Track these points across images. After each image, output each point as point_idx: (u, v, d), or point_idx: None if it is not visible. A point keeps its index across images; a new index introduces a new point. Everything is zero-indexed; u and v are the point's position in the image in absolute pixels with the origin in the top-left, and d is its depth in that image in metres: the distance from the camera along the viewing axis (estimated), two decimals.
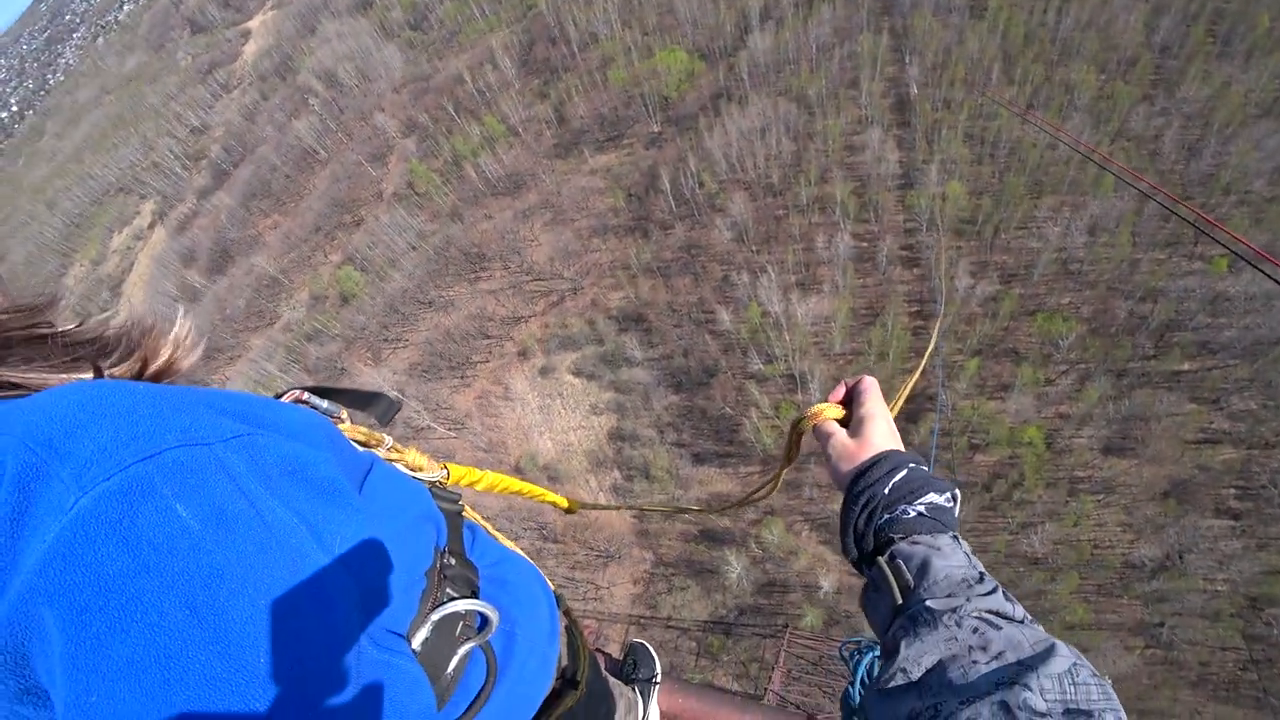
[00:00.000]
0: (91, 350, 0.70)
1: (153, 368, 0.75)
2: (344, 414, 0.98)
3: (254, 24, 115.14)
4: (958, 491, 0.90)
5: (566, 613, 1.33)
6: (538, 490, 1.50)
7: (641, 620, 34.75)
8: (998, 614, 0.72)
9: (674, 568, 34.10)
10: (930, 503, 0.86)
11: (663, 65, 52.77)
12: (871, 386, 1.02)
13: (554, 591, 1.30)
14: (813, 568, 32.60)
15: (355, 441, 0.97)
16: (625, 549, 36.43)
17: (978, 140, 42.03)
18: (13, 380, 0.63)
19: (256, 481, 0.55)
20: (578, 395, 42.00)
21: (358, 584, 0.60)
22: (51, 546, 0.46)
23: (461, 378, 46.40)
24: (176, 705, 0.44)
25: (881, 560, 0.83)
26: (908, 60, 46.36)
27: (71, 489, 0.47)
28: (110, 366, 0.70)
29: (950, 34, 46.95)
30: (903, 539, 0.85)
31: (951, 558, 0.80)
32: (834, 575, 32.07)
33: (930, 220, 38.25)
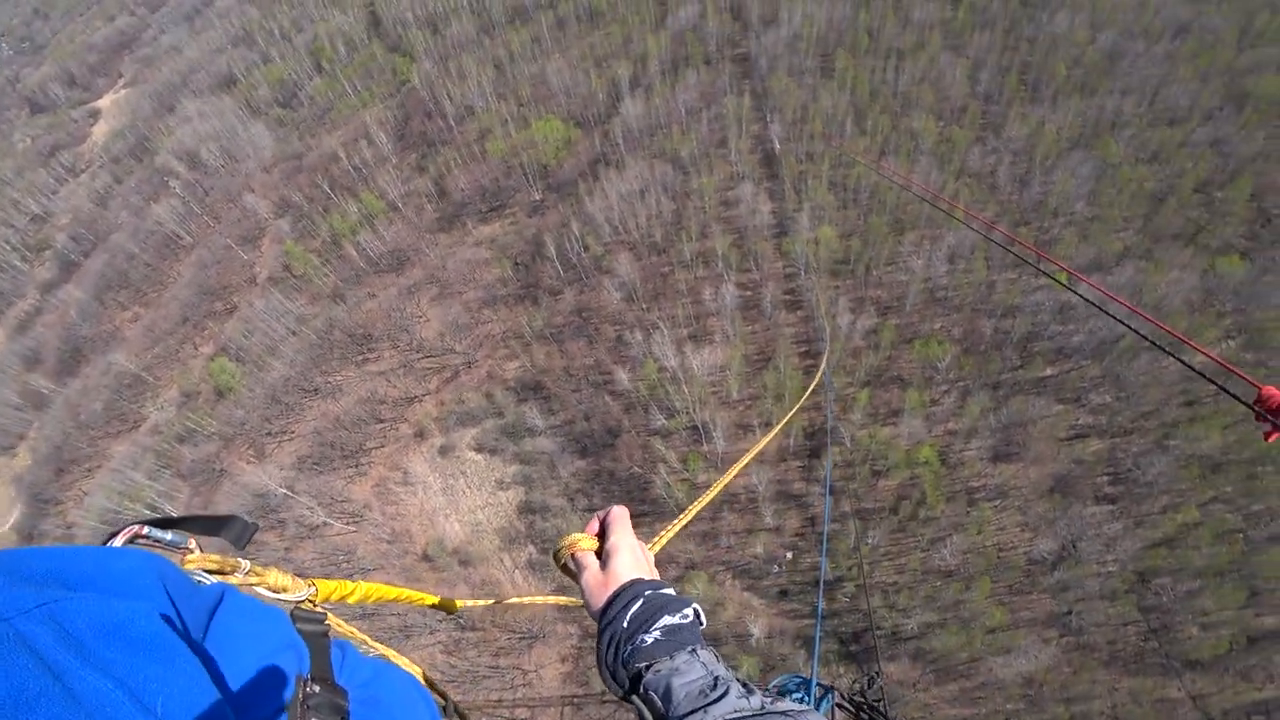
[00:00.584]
0: None
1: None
2: (192, 543, 0.97)
3: (104, 103, 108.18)
4: (697, 606, 0.95)
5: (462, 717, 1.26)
6: (415, 595, 1.47)
7: (576, 700, 33.03)
8: (735, 712, 0.77)
9: (589, 641, 32.76)
10: (665, 625, 0.90)
11: (539, 135, 53.58)
12: (620, 517, 1.07)
13: (443, 698, 1.25)
14: (741, 616, 32.39)
15: (206, 571, 0.97)
16: (549, 626, 34.82)
17: (841, 187, 44.91)
18: None
19: (64, 652, 0.51)
20: (482, 472, 40.46)
21: None
22: None
23: (356, 467, 43.67)
24: None
25: (636, 698, 0.86)
26: (770, 118, 49.37)
27: None
28: None
29: (805, 93, 50.50)
30: (647, 667, 0.88)
31: (689, 674, 0.83)
32: (762, 620, 31.92)
33: (807, 264, 40.24)
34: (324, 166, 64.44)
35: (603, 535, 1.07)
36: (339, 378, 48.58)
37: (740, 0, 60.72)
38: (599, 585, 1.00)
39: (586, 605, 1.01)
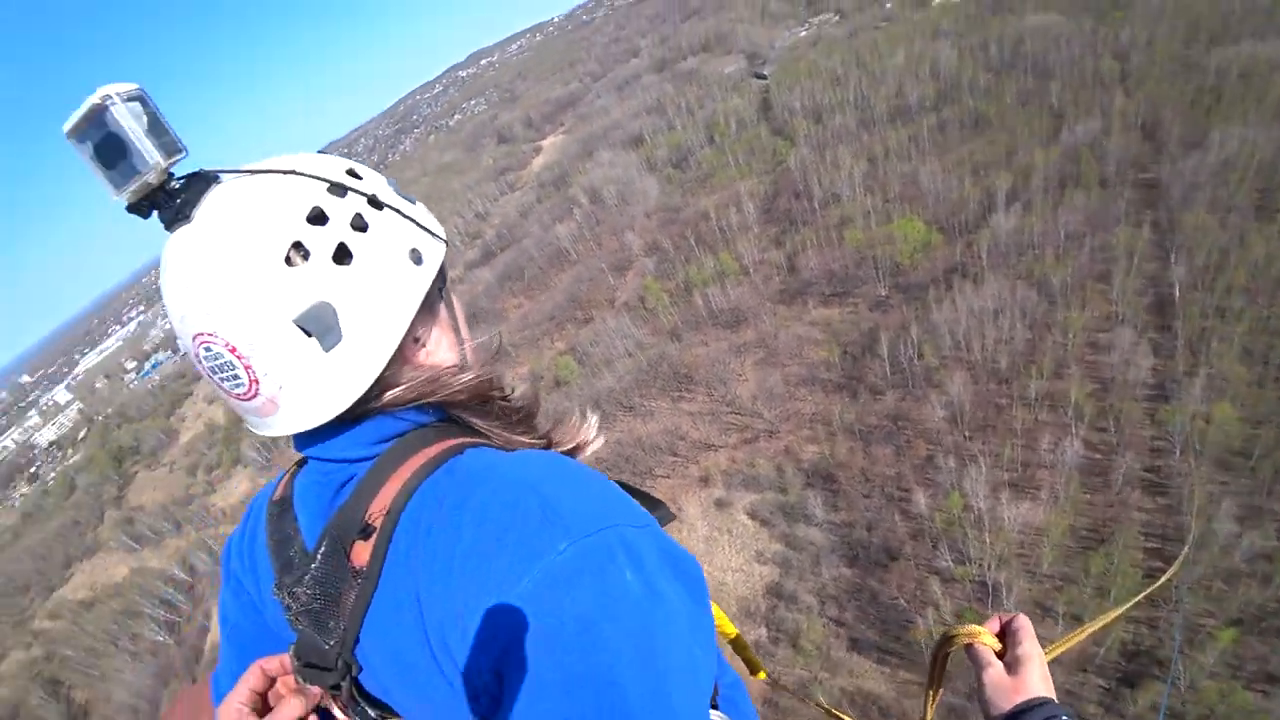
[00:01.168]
0: (518, 418, 0.96)
1: (557, 448, 1.00)
2: None
3: (545, 143, 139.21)
4: None
5: None
6: (746, 646, 1.48)
7: None
8: None
9: None
10: None
11: (899, 233, 54.70)
12: (1029, 626, 1.04)
13: None
14: None
15: None
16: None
17: (1260, 359, 37.46)
18: (480, 429, 0.92)
19: (661, 565, 0.73)
20: (747, 537, 42.51)
21: (707, 676, 0.75)
22: (547, 574, 0.66)
23: (639, 483, 49.54)
24: (593, 715, 0.61)
25: None
26: (1173, 258, 43.34)
27: (561, 537, 0.68)
28: (541, 438, 0.98)
29: (1229, 234, 43.21)
30: None
31: None
32: None
33: (1187, 443, 34.50)
34: (695, 223, 74.08)
35: (1003, 639, 1.06)
36: (653, 404, 55.48)
37: (1156, 118, 54.30)
38: (1007, 689, 0.97)
39: (984, 704, 0.99)
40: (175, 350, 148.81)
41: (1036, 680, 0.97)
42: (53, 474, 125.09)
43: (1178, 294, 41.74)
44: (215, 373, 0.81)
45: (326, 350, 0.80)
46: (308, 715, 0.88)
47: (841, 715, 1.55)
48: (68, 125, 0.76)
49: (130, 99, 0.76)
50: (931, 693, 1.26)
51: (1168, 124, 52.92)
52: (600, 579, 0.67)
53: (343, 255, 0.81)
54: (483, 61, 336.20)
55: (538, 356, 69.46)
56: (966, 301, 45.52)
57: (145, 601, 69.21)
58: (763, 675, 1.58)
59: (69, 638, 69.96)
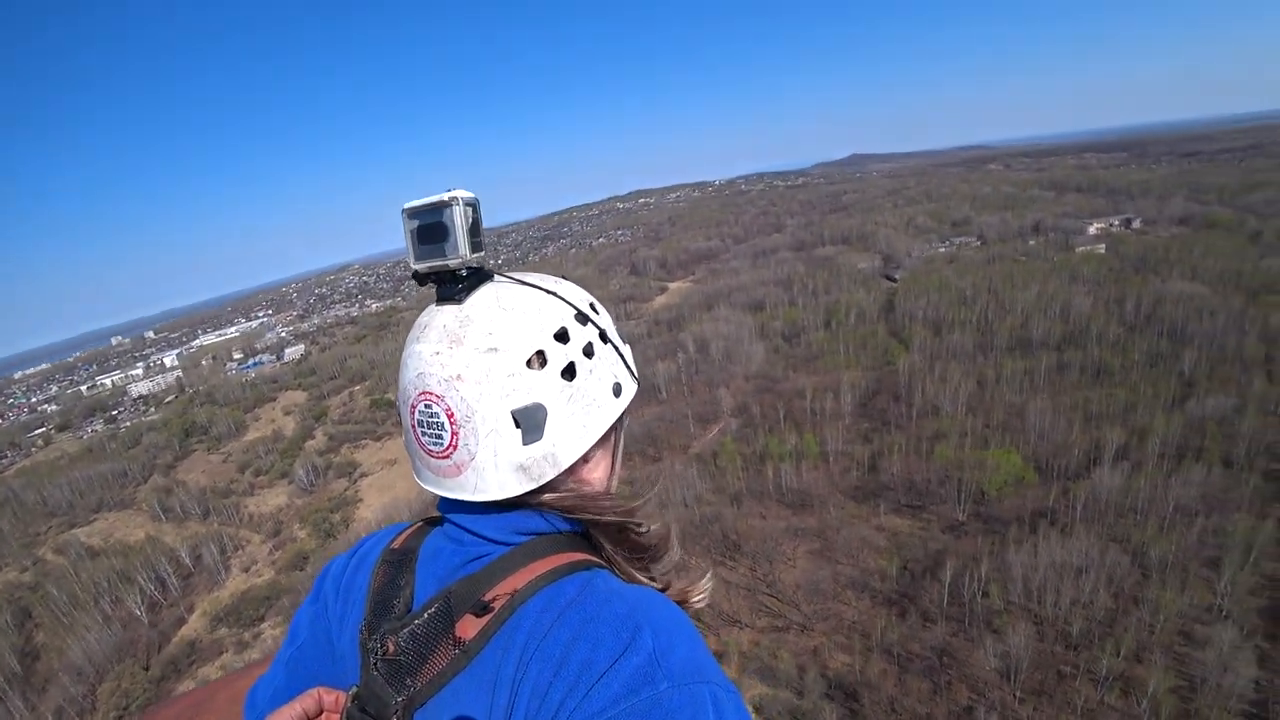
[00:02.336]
0: (646, 555, 1.04)
1: (673, 595, 1.06)
2: None
3: (673, 285, 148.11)
4: None
5: None
6: None
7: None
8: None
9: None
10: None
11: (993, 461, 53.02)
12: None
13: None
14: None
15: None
16: None
17: None
18: (608, 553, 0.99)
19: None
20: None
21: None
22: (645, 704, 0.71)
23: None
24: None
25: None
26: None
27: (664, 679, 0.72)
28: (657, 580, 1.05)
29: None
30: None
31: None
32: None
33: None
34: (789, 397, 75.27)
35: None
36: (693, 561, 53.55)
37: None
38: None
39: None
40: (278, 356, 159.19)
41: None
42: (128, 423, 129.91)
43: None
44: (422, 426, 0.92)
45: (525, 444, 0.90)
46: None
47: None
48: (410, 205, 0.96)
49: (468, 204, 0.94)
50: None
51: None
52: (689, 717, 0.71)
53: (569, 372, 0.94)
54: (641, 200, 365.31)
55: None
56: (1050, 550, 42.72)
57: (143, 571, 68.68)
58: None
59: (61, 577, 69.73)
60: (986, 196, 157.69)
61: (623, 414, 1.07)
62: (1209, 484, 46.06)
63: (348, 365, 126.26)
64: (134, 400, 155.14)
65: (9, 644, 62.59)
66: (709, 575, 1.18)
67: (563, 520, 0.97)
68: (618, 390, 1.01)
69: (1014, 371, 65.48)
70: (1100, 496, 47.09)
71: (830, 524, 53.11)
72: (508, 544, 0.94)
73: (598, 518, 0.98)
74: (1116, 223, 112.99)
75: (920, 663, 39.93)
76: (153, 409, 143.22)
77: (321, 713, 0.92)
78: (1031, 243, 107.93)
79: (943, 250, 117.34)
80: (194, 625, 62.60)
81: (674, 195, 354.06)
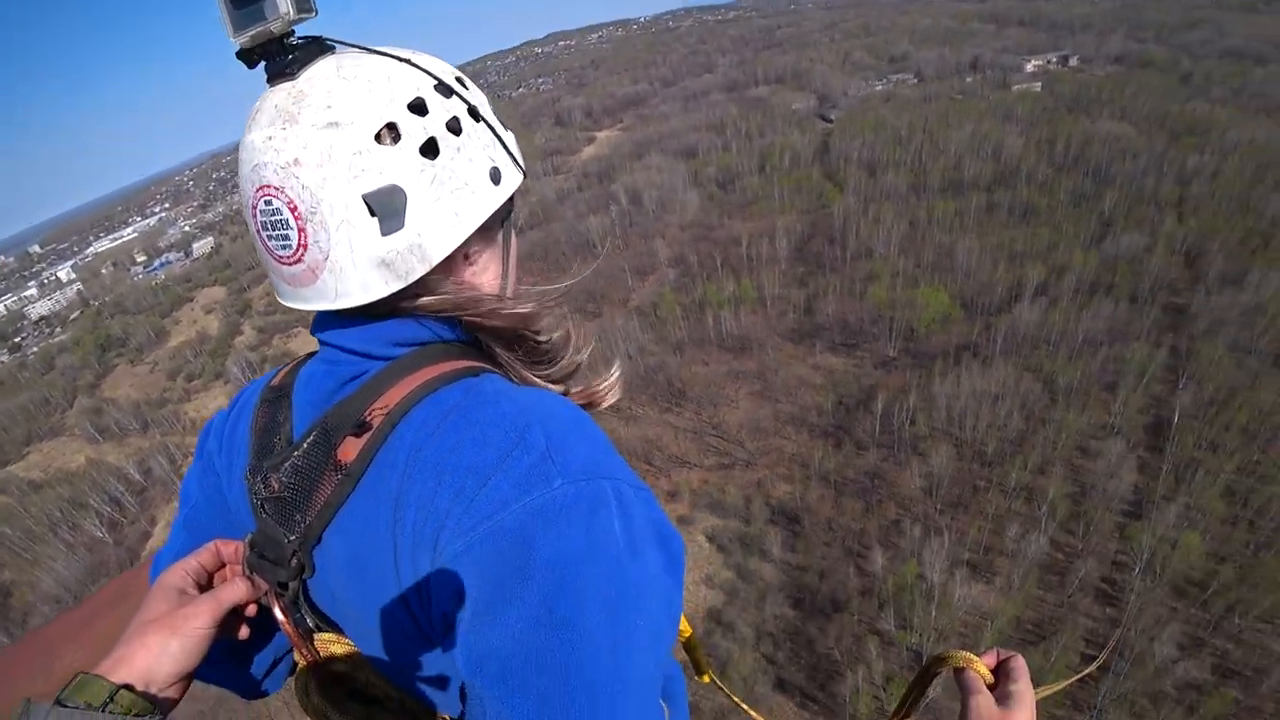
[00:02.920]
0: (544, 358, 0.95)
1: (578, 398, 0.99)
2: None
3: (600, 135, 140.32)
4: None
5: None
6: (697, 646, 1.41)
7: None
8: None
9: None
10: None
11: (922, 300, 54.97)
12: (1026, 668, 1.00)
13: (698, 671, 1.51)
14: None
15: None
16: None
17: (1240, 500, 37.48)
18: (501, 359, 0.92)
19: (647, 529, 0.72)
20: (700, 559, 42.41)
21: (669, 651, 0.77)
22: (538, 506, 0.65)
23: None
24: (579, 657, 0.62)
25: None
26: (1181, 385, 43.47)
27: (559, 476, 0.67)
28: (556, 382, 0.96)
29: (1242, 375, 43.27)
30: None
31: None
32: None
33: (1149, 565, 34.58)
34: (725, 245, 74.58)
35: (996, 675, 1.00)
36: (641, 411, 55.71)
37: (1202, 248, 54.38)
38: (994, 718, 0.92)
39: None
40: (186, 252, 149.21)
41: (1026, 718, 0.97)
42: (35, 349, 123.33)
43: (1177, 420, 41.74)
44: (266, 229, 0.80)
45: (384, 234, 0.79)
46: (248, 606, 0.86)
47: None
48: None
49: None
50: (896, 718, 1.23)
51: (1211, 255, 53.00)
52: (589, 523, 0.66)
53: (430, 149, 0.81)
54: (560, 43, 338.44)
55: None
56: (971, 380, 45.68)
57: (94, 495, 68.02)
58: (707, 678, 1.55)
59: (9, 516, 68.74)
60: (926, 30, 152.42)
61: (511, 212, 0.98)
62: (1115, 317, 49.53)
63: None
64: (34, 324, 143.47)
65: None
66: (616, 370, 1.06)
67: (447, 327, 0.88)
68: (496, 176, 0.88)
69: (945, 212, 66.51)
70: (1019, 330, 50.00)
71: (769, 366, 54.72)
72: (386, 358, 0.85)
73: (483, 320, 0.87)
74: (1054, 60, 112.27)
75: (854, 486, 43.30)
76: (59, 329, 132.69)
77: (223, 565, 0.88)
78: (969, 80, 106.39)
79: (879, 88, 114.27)
80: (160, 537, 61.36)
81: (595, 36, 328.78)
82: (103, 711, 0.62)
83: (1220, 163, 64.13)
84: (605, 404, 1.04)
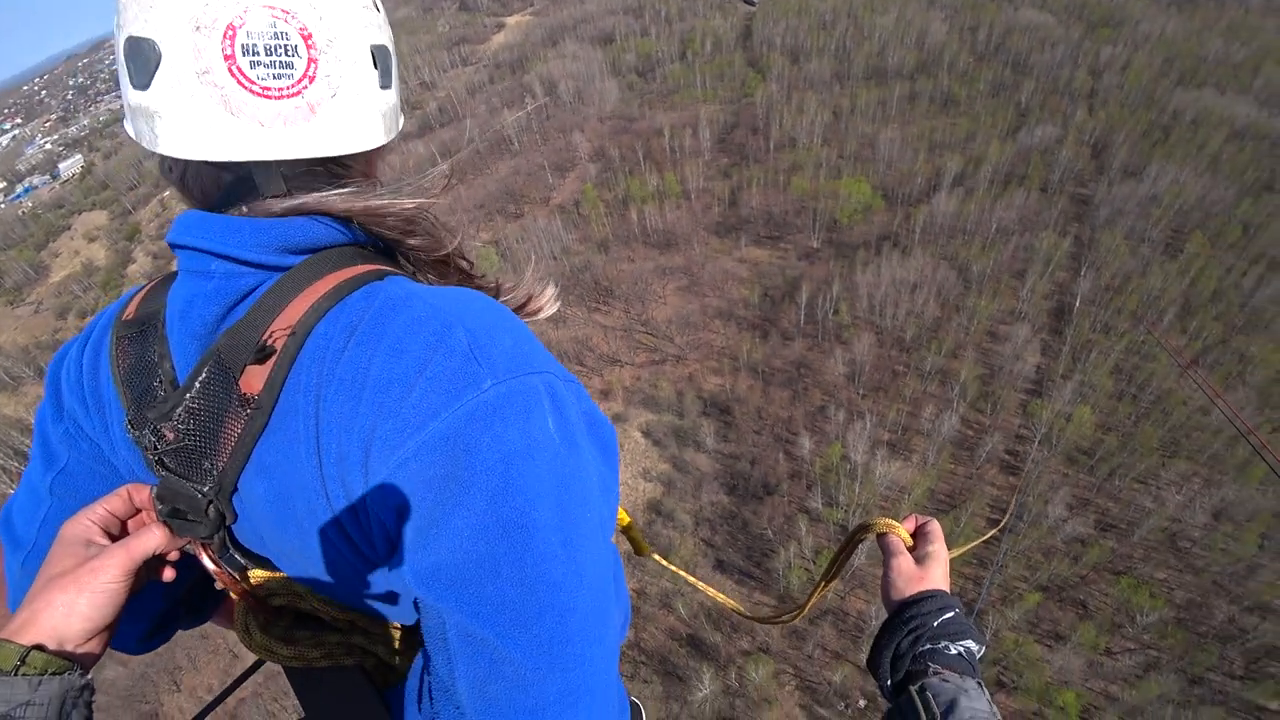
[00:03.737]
0: (451, 257, 0.89)
1: (510, 306, 0.93)
2: None
3: (510, 21, 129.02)
4: (985, 646, 0.99)
5: None
6: (634, 528, 1.44)
7: None
8: None
9: (648, 658, 33.59)
10: (967, 647, 0.94)
11: (845, 191, 54.60)
12: (940, 531, 1.11)
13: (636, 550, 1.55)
14: None
15: None
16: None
17: (1125, 376, 40.57)
18: (407, 260, 0.88)
19: (580, 421, 0.72)
20: (637, 454, 42.94)
21: (609, 534, 0.77)
22: (471, 411, 0.62)
23: None
24: (530, 562, 0.62)
25: (913, 689, 0.89)
26: (1083, 272, 45.70)
27: (487, 375, 0.64)
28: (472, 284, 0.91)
29: (1136, 262, 45.93)
30: (935, 675, 0.90)
31: (977, 701, 0.85)
32: None
33: (1046, 437, 37.20)
34: (647, 137, 71.21)
35: (914, 538, 1.13)
36: (569, 312, 54.08)
37: (1108, 139, 56.26)
38: (913, 577, 1.04)
39: (887, 587, 1.06)
40: (53, 175, 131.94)
41: (940, 576, 1.06)
42: None
43: (1077, 304, 44.07)
44: (255, 54, 0.68)
45: (382, 88, 0.78)
46: (169, 554, 0.79)
47: (715, 593, 1.63)
48: None
49: None
50: (824, 582, 1.32)
51: (1116, 147, 54.85)
52: (524, 421, 0.64)
53: (388, 29, 0.83)
54: None
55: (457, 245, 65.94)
56: (891, 270, 46.34)
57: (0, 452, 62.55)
58: (653, 555, 1.63)
59: None
60: None
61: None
62: (1026, 206, 50.95)
63: (147, 168, 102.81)
64: None
65: None
66: (553, 284, 1.02)
67: (345, 228, 0.78)
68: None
69: (868, 101, 65.45)
70: (937, 220, 50.77)
71: (695, 260, 53.65)
72: (279, 268, 0.74)
73: (386, 215, 0.80)
74: None
75: (781, 376, 43.88)
76: None
77: (136, 511, 0.79)
78: None
79: None
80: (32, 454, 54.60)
81: None
82: (14, 675, 0.59)
83: (1131, 54, 65.54)
84: (540, 316, 1.00)
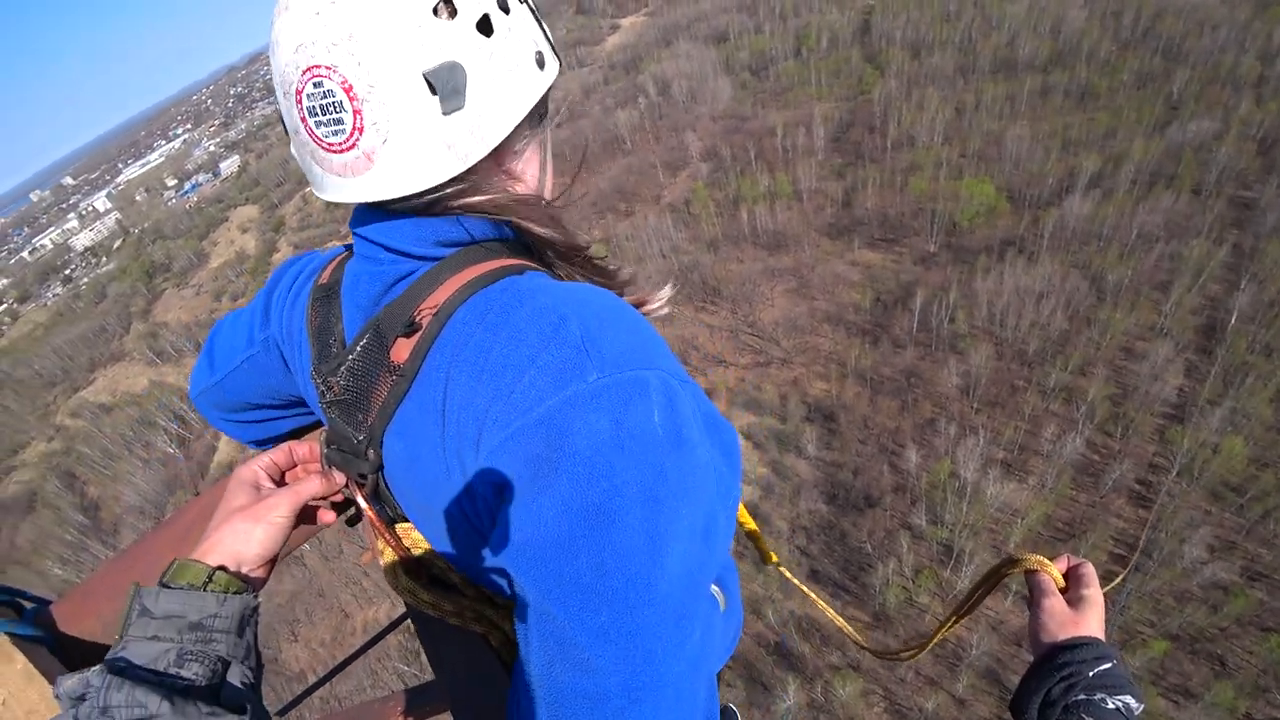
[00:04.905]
0: (589, 261, 0.93)
1: (628, 300, 0.96)
2: None
3: (625, 22, 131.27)
4: (1145, 705, 0.93)
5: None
6: (758, 532, 1.47)
7: None
8: None
9: (733, 662, 33.90)
10: (1126, 703, 0.89)
11: (966, 192, 52.23)
12: (1095, 575, 1.05)
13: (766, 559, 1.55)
14: None
15: None
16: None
17: None
18: (549, 259, 0.91)
19: (695, 420, 0.70)
20: None
21: (724, 542, 0.74)
22: (572, 398, 0.64)
23: None
24: (612, 552, 0.61)
25: None
26: (1241, 285, 41.46)
27: (594, 368, 0.65)
28: (606, 283, 0.94)
29: None
30: None
31: None
32: None
33: (1187, 468, 34.27)
34: (760, 136, 70.86)
35: (1067, 579, 1.06)
36: (676, 310, 54.97)
37: (1277, 135, 50.29)
38: (1067, 620, 0.98)
39: (1038, 629, 1.00)
40: (215, 173, 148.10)
41: (1096, 624, 0.99)
42: (86, 279, 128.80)
43: (1233, 322, 40.18)
44: (314, 115, 0.73)
45: (445, 114, 0.73)
46: (327, 499, 0.90)
47: (837, 618, 1.56)
48: None
49: None
50: (955, 617, 1.22)
51: None
52: (623, 411, 0.65)
53: (485, 26, 0.76)
54: None
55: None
56: (1015, 277, 44.07)
57: (160, 414, 71.93)
58: (775, 561, 1.59)
59: (87, 437, 73.63)
60: None
61: (549, 102, 0.93)
62: (1175, 211, 46.74)
63: (291, 167, 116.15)
64: (81, 255, 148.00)
65: (69, 504, 66.46)
66: (670, 284, 1.04)
67: (493, 226, 0.85)
68: (541, 61, 0.84)
69: (995, 96, 61.92)
70: (1068, 224, 47.63)
71: (806, 262, 53.19)
72: (431, 259, 0.83)
73: (527, 222, 0.85)
74: None
75: (890, 385, 42.91)
76: (104, 259, 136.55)
77: (294, 465, 0.93)
78: None
79: None
80: (225, 451, 65.62)
81: None
82: (204, 590, 0.69)
83: None
84: (656, 314, 1.02)
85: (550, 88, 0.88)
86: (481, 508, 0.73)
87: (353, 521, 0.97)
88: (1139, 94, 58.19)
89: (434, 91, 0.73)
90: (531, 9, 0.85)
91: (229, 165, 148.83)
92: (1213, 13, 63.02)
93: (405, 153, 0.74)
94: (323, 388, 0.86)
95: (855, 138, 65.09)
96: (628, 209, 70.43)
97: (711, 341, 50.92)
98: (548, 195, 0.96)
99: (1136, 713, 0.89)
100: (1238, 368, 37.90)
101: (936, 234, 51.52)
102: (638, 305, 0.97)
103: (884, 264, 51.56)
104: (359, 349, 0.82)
